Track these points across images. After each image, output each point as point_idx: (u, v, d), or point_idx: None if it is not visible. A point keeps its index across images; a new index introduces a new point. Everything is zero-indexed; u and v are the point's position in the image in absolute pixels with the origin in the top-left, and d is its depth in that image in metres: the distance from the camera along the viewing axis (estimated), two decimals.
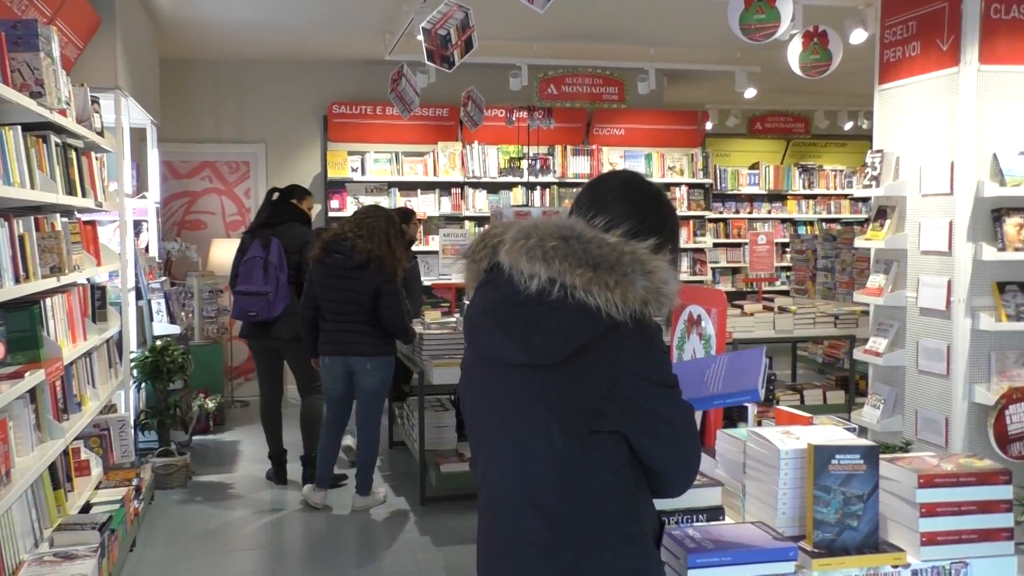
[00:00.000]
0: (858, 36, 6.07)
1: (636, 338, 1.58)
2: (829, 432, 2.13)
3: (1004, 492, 1.95)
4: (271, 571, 4.50)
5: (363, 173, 8.88)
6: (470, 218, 9.03)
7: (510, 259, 1.63)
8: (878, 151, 4.94)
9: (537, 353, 1.60)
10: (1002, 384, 4.37)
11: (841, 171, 11.53)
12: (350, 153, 8.87)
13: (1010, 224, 4.36)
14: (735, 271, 11.07)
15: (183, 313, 7.46)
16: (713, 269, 10.65)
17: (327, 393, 5.40)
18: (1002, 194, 4.33)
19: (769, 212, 11.21)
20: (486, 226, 1.89)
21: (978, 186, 4.36)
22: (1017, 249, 4.34)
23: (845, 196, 11.48)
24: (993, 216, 4.39)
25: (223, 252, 8.32)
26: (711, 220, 10.55)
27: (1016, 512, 4.19)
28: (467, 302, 1.84)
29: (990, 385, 4.39)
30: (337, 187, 8.87)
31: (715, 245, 10.76)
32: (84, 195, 4.40)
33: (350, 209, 8.76)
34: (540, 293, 1.60)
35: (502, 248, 1.66)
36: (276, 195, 6.05)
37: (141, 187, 7.48)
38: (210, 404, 6.92)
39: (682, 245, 9.80)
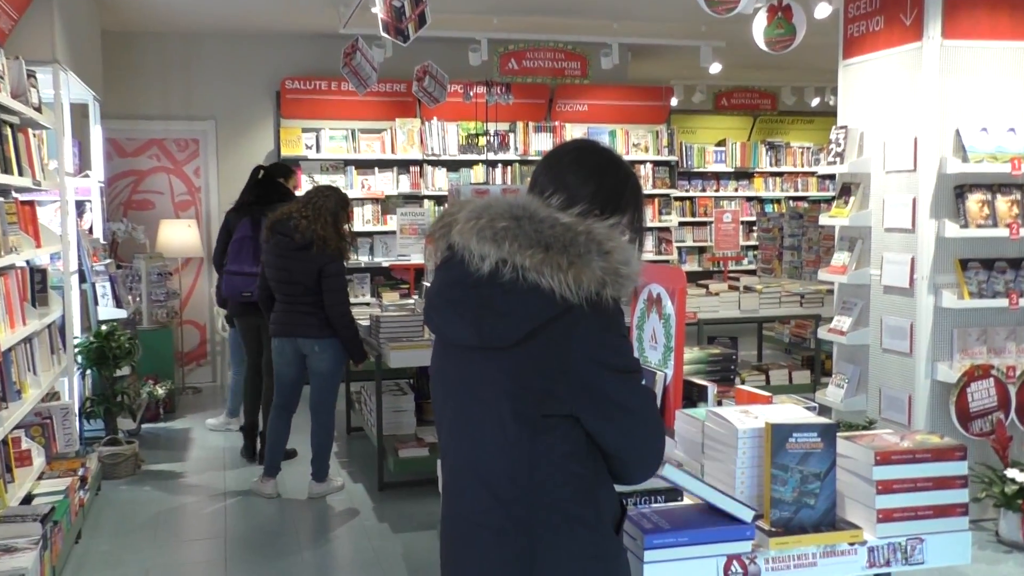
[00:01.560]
0: (823, 10, 6.11)
1: (591, 321, 1.58)
2: (788, 411, 2.17)
3: (959, 468, 2.00)
4: (223, 560, 4.48)
5: (318, 151, 8.80)
6: (429, 197, 9.00)
7: (462, 239, 1.64)
8: (842, 127, 5.00)
9: (489, 336, 1.62)
10: (964, 362, 4.46)
11: (808, 148, 11.65)
12: (304, 130, 8.78)
13: (972, 201, 4.44)
14: (701, 250, 11.16)
15: (130, 297, 7.37)
16: (679, 248, 10.73)
17: (277, 377, 5.38)
18: (964, 170, 4.41)
19: (736, 190, 11.30)
20: (445, 205, 1.82)
21: (941, 162, 4.43)
22: (979, 226, 4.42)
23: (812, 173, 11.60)
24: (956, 193, 4.47)
25: (172, 233, 8.22)
26: (677, 198, 10.61)
27: (976, 489, 4.29)
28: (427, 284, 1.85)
29: (952, 363, 4.48)
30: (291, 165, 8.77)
31: (681, 224, 10.83)
32: (21, 173, 4.31)
33: (305, 188, 8.69)
34: (492, 275, 1.60)
35: (455, 228, 1.67)
36: (261, 173, 6.13)
37: (84, 165, 7.34)
38: (159, 391, 6.85)
39: (647, 224, 9.86)
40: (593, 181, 1.73)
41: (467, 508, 1.70)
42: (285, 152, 8.68)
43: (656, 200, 9.98)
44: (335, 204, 5.22)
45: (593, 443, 1.64)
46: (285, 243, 5.14)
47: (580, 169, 1.74)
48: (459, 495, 1.72)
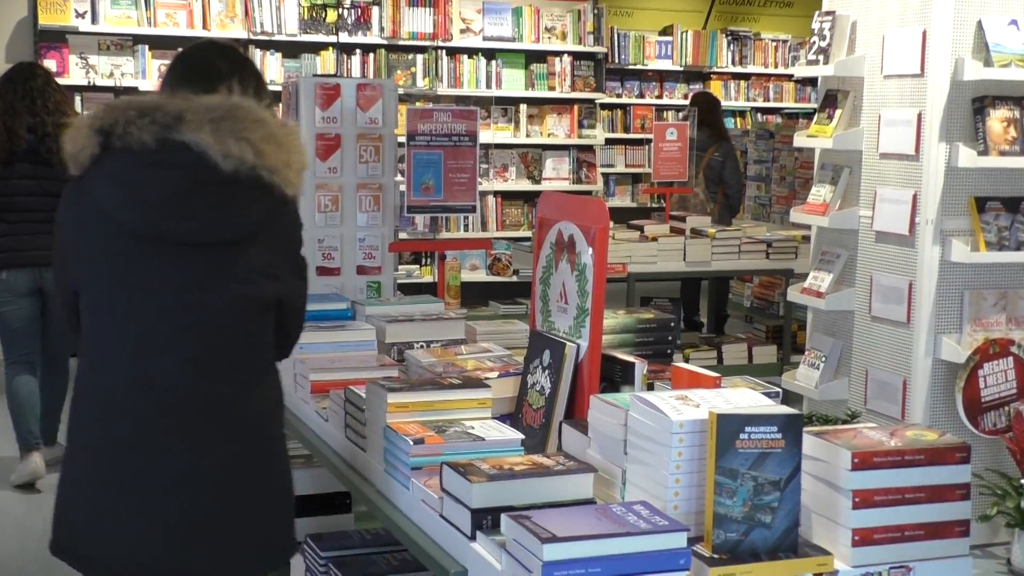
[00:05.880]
0: None
1: (294, 210, 2.55)
2: (741, 397, 2.22)
3: (960, 474, 2.09)
4: None
5: (94, 21, 8.55)
6: None
7: (204, 138, 2.35)
8: (828, 14, 5.10)
9: (225, 230, 2.41)
10: (976, 335, 4.64)
11: (784, 41, 11.87)
12: None
13: (995, 119, 4.59)
14: (635, 178, 11.29)
15: None
16: (605, 175, 10.81)
17: (7, 323, 5.64)
18: (987, 77, 4.55)
19: (685, 96, 11.44)
20: (125, 97, 2.49)
21: (956, 65, 4.56)
22: (1003, 153, 4.58)
23: (788, 77, 11.84)
24: (974, 107, 4.62)
25: None
26: (604, 106, 10.69)
27: (985, 504, 4.47)
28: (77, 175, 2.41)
29: (961, 336, 4.66)
30: (54, 40, 8.50)
31: (608, 141, 10.92)
32: None
33: (74, 75, 8.43)
34: (234, 173, 2.36)
35: (187, 126, 2.36)
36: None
37: None
38: None
39: (564, 140, 9.91)
40: (254, 78, 2.62)
41: (163, 411, 2.40)
42: (45, 20, 8.41)
43: (575, 108, 10.02)
44: (43, 82, 5.62)
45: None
46: (30, 142, 5.50)
47: (236, 70, 2.57)
48: (149, 405, 2.40)
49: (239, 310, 2.44)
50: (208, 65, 2.59)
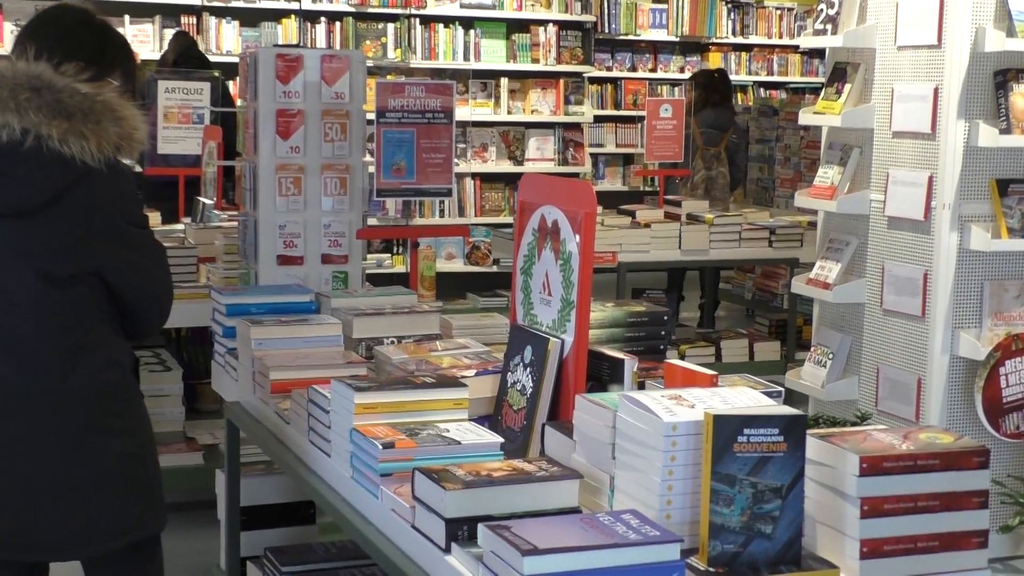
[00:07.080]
0: None
1: (110, 182, 2.62)
2: (740, 397, 2.22)
3: (978, 480, 2.10)
4: None
5: None
6: (215, 64, 8.80)
7: None
8: None
9: (9, 202, 2.55)
10: (998, 329, 4.66)
11: (790, 9, 11.87)
12: None
13: (1019, 94, 4.60)
14: (627, 159, 11.29)
15: None
16: (594, 156, 10.81)
17: None
18: (1010, 48, 4.55)
19: (681, 70, 11.45)
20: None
21: (976, 35, 4.57)
22: None
23: (794, 48, 11.84)
24: (996, 82, 4.63)
25: None
26: (593, 80, 10.68)
27: (1007, 513, 4.50)
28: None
29: (981, 331, 4.67)
30: None
31: (597, 119, 10.90)
32: None
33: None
34: (11, 143, 2.51)
35: None
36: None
37: None
38: None
39: (549, 118, 9.90)
40: (82, 46, 2.74)
41: None
42: None
43: (560, 82, 10.01)
44: None
45: (112, 297, 2.69)
46: None
47: (66, 35, 2.77)
48: None
49: (37, 287, 2.58)
50: (29, 28, 2.84)
